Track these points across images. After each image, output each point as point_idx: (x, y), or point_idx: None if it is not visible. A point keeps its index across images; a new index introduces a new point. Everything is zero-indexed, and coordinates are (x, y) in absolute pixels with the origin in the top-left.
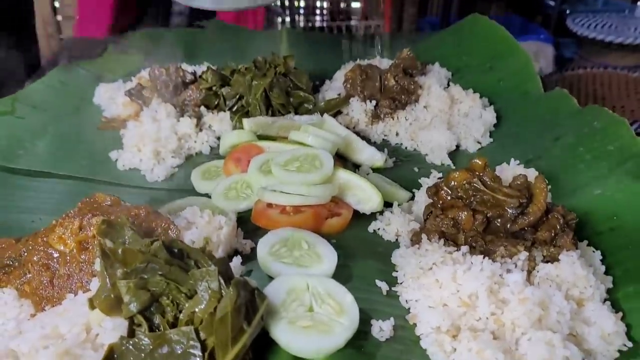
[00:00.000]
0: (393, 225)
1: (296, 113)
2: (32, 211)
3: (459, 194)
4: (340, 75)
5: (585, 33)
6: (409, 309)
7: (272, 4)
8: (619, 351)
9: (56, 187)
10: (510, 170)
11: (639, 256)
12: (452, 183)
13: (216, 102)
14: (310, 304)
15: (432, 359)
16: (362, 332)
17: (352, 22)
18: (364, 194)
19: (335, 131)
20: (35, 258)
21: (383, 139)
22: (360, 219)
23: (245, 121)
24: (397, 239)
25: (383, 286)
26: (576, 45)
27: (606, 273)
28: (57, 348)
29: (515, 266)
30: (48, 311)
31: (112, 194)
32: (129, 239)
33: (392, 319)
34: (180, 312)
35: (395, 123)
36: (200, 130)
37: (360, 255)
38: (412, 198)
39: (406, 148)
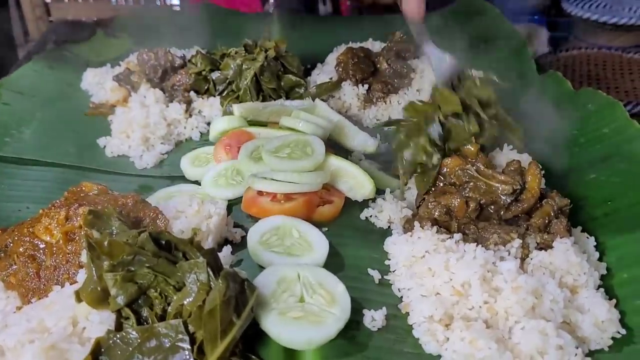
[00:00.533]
0: (385, 212)
1: (287, 97)
2: (19, 200)
3: (452, 181)
4: (332, 59)
5: (580, 13)
6: (402, 297)
7: None
8: (613, 338)
9: (43, 175)
10: (503, 156)
11: (634, 242)
12: (445, 169)
13: (206, 87)
14: (301, 294)
15: (424, 348)
16: (354, 322)
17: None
18: (356, 181)
19: (327, 116)
20: (21, 249)
21: (375, 123)
22: (352, 206)
23: (235, 107)
24: (389, 226)
25: (375, 275)
26: (570, 25)
27: (600, 259)
28: (43, 342)
29: (509, 254)
30: (34, 304)
31: (100, 181)
32: (116, 230)
33: (384, 308)
34: (169, 304)
35: (388, 107)
36: (190, 115)
37: (352, 243)
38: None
39: None
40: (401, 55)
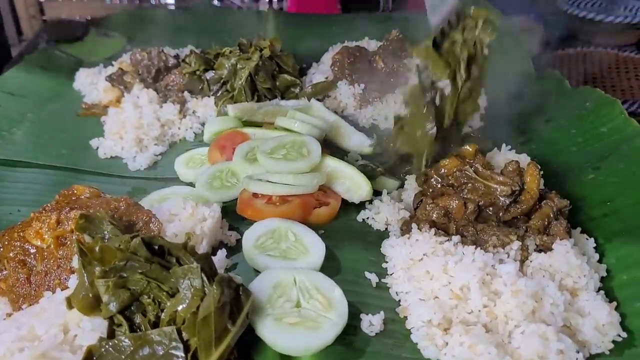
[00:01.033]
0: (382, 214)
1: (282, 97)
2: (10, 203)
3: (450, 182)
4: (327, 58)
5: (576, 12)
6: (400, 301)
7: None
8: (614, 342)
9: (34, 177)
10: (501, 156)
11: (633, 243)
12: (443, 170)
13: (200, 87)
14: (298, 299)
15: (423, 353)
16: (352, 327)
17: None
18: (352, 182)
19: (322, 116)
20: (11, 254)
21: (372, 123)
22: (348, 208)
23: (230, 107)
24: (386, 228)
25: (373, 278)
26: (566, 24)
27: (600, 261)
28: (33, 351)
29: (508, 256)
30: (24, 311)
31: (92, 184)
32: (109, 234)
33: (382, 312)
34: (162, 311)
35: (384, 107)
36: (184, 116)
37: (349, 246)
38: (402, 186)
39: None
40: (397, 55)
